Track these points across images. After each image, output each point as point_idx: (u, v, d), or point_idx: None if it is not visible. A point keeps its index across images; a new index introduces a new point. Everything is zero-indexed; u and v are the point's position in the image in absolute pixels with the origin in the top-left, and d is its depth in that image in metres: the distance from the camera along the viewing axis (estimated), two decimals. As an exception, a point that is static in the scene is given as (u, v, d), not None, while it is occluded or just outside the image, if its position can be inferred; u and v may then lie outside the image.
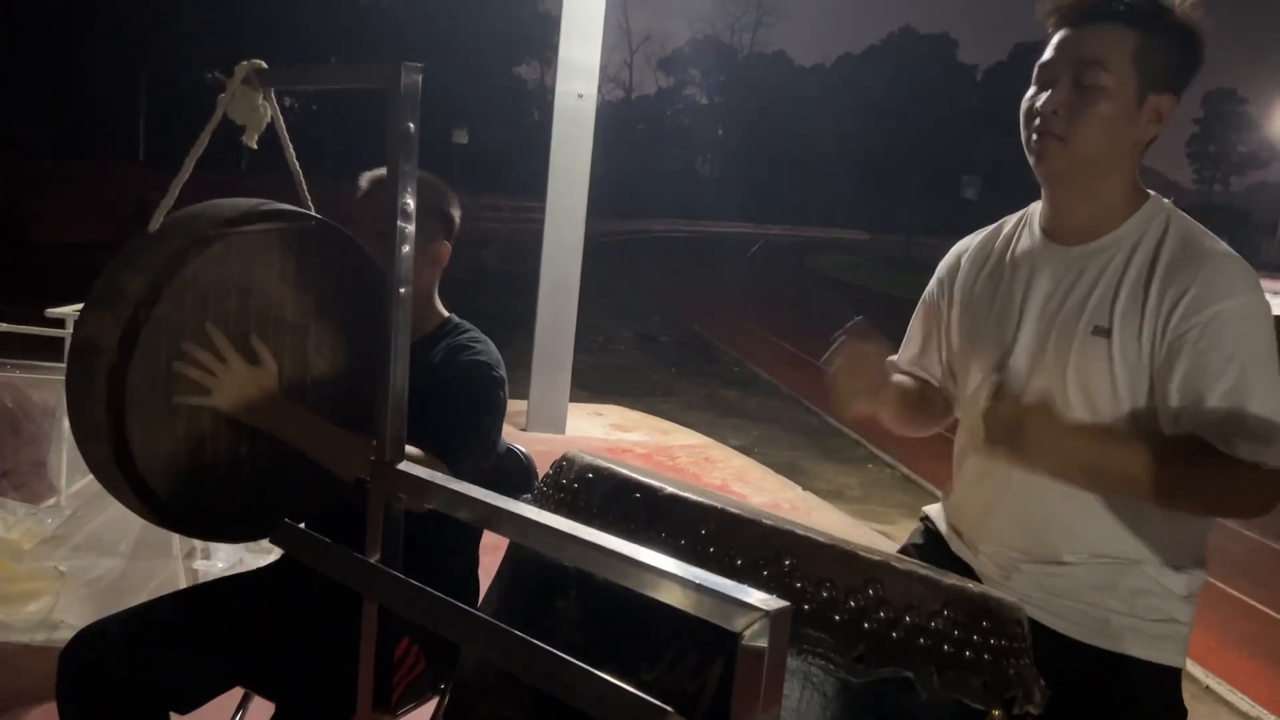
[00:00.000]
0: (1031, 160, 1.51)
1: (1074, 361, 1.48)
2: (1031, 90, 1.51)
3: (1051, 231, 1.57)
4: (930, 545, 1.75)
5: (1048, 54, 1.49)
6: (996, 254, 1.66)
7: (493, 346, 1.90)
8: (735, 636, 0.78)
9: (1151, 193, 1.52)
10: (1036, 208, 1.62)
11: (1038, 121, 1.48)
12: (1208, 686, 3.90)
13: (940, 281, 1.76)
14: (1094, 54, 1.43)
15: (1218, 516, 1.49)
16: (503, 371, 1.86)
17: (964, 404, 1.69)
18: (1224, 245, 1.45)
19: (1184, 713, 1.52)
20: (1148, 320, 1.43)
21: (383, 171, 1.88)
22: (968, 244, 1.74)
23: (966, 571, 1.64)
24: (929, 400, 1.79)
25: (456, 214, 1.96)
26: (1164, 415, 1.43)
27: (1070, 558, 1.52)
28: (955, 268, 1.73)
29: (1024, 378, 1.54)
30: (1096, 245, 1.50)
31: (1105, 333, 1.45)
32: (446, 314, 1.96)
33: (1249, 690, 3.94)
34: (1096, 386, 1.46)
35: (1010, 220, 1.68)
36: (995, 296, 1.62)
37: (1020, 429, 1.34)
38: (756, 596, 0.78)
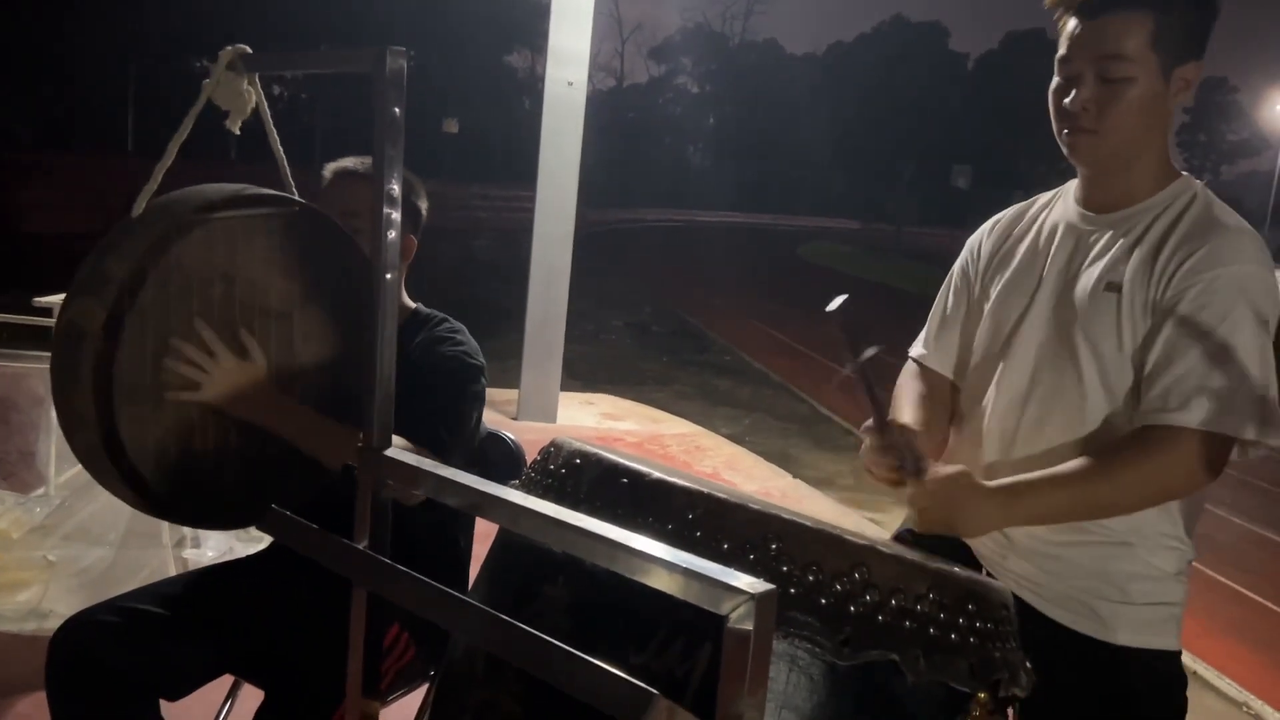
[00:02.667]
0: (1065, 152, 1.53)
1: (1084, 316, 1.50)
2: (1056, 82, 1.50)
3: (1084, 201, 1.59)
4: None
5: (1064, 48, 1.48)
6: (1029, 221, 1.69)
7: (469, 335, 1.90)
8: (722, 620, 0.78)
9: (1184, 173, 1.54)
10: (1072, 184, 1.63)
11: (1068, 120, 1.49)
12: (1195, 672, 3.93)
13: (970, 251, 1.77)
14: (1113, 47, 1.42)
15: (1165, 501, 1.49)
16: (481, 359, 1.86)
17: (975, 364, 1.69)
18: (1243, 221, 1.46)
19: (1184, 682, 1.53)
20: (1155, 278, 1.45)
21: (347, 162, 1.87)
22: (1000, 216, 1.76)
23: (965, 551, 1.65)
24: (940, 426, 1.77)
25: (424, 206, 1.95)
26: (1144, 375, 1.44)
27: (1064, 536, 1.52)
28: (986, 236, 1.75)
29: (1039, 335, 1.56)
30: (1123, 213, 1.52)
31: (1116, 288, 1.47)
32: (414, 305, 1.96)
33: (1235, 675, 3.96)
34: (1104, 342, 1.48)
35: (1044, 196, 1.71)
36: (1021, 257, 1.64)
37: (946, 512, 1.43)
38: (742, 580, 0.78)
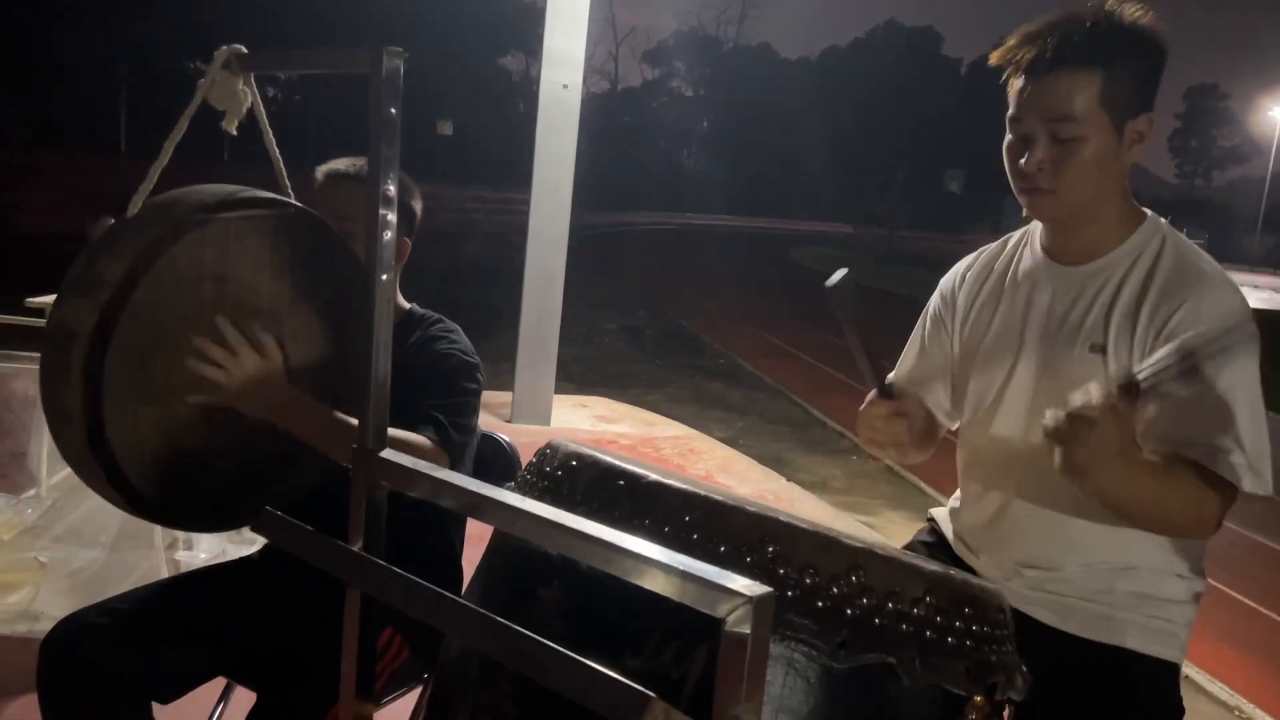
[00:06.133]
0: (1026, 211, 1.52)
1: (1072, 379, 1.47)
2: (1009, 140, 1.50)
3: (1052, 252, 1.58)
4: (935, 546, 1.77)
5: (1014, 108, 1.47)
6: (998, 271, 1.67)
7: (464, 335, 1.91)
8: (719, 623, 0.78)
9: (1149, 212, 1.53)
10: (1038, 227, 1.62)
11: (1024, 180, 1.48)
12: (1187, 676, 3.94)
13: (944, 297, 1.77)
14: (1061, 109, 1.41)
15: (1170, 534, 1.48)
16: (477, 358, 1.87)
17: (967, 421, 1.69)
18: (1216, 266, 1.46)
19: (1181, 711, 1.53)
20: (1139, 337, 1.44)
21: (340, 164, 1.87)
22: (970, 261, 1.75)
23: (968, 573, 1.64)
24: (928, 431, 1.78)
25: (418, 207, 1.95)
26: (1148, 431, 1.41)
27: (1071, 567, 1.53)
28: (959, 283, 1.74)
29: (1027, 396, 1.56)
30: (1095, 266, 1.52)
31: (1101, 350, 1.47)
32: (409, 305, 1.96)
33: (1228, 679, 3.97)
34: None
35: (1013, 237, 1.70)
36: (996, 314, 1.64)
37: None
38: (740, 582, 0.78)
